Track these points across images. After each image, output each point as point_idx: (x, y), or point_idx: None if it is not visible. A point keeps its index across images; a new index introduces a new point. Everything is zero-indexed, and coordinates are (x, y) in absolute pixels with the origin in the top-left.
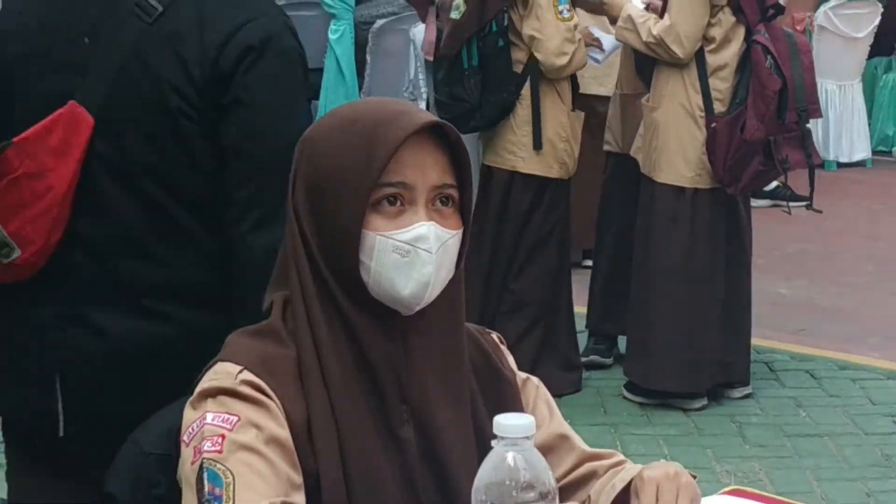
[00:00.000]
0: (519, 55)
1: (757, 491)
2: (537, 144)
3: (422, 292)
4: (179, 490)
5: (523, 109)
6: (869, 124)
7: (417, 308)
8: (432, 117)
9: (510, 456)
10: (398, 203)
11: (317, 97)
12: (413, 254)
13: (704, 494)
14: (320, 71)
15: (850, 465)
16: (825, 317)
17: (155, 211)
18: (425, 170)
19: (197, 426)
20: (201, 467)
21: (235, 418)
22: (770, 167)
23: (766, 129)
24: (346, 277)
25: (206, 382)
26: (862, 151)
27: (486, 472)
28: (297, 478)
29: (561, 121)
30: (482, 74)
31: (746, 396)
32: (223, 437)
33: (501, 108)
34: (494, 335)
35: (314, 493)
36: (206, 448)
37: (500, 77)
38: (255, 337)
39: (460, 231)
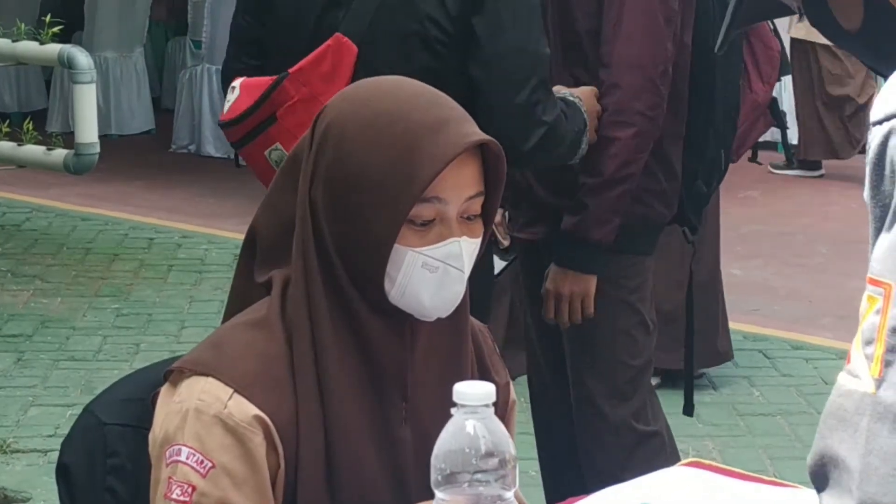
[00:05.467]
0: None
1: (715, 463)
2: None
3: (448, 307)
4: (137, 460)
5: None
6: None
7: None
8: (478, 132)
9: (470, 424)
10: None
11: None
12: (443, 270)
13: None
14: None
15: (803, 444)
16: (778, 297)
17: None
18: (462, 186)
19: (171, 454)
20: None
21: (210, 464)
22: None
23: (771, 90)
24: (366, 283)
25: (192, 397)
26: None
27: (445, 441)
28: None
29: None
30: None
31: (700, 376)
32: (193, 488)
33: None
34: (490, 339)
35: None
36: (175, 496)
37: None
38: (250, 330)
39: (482, 235)
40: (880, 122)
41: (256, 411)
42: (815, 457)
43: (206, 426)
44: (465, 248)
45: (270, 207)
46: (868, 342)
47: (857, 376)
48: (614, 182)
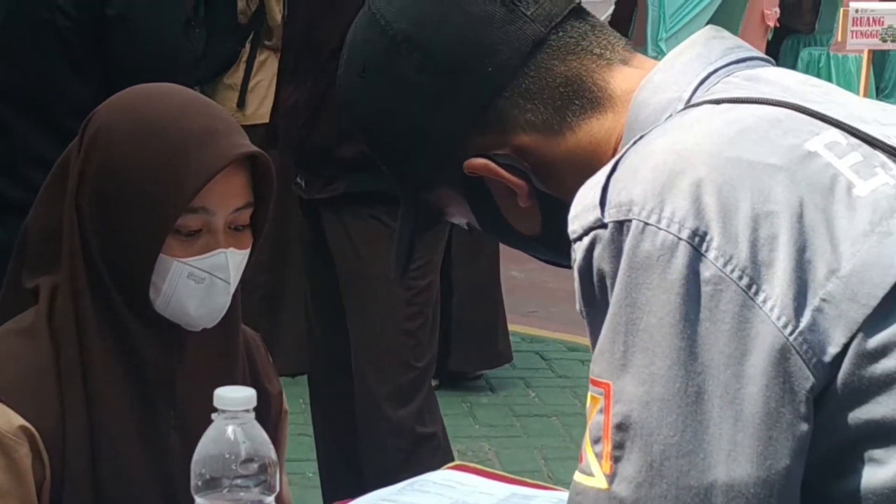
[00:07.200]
0: (241, 5)
1: (480, 466)
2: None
3: (213, 318)
4: None
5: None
6: None
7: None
8: (247, 143)
9: (230, 429)
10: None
11: None
12: (209, 281)
13: None
14: None
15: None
16: (556, 299)
17: (50, 125)
18: (229, 197)
19: None
20: None
21: None
22: None
23: None
24: (132, 293)
25: None
26: None
27: (205, 446)
28: None
29: None
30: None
31: (478, 377)
32: None
33: (225, 59)
34: (263, 347)
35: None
36: None
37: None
38: (16, 339)
39: (250, 246)
40: (580, 238)
41: (22, 422)
42: None
43: None
44: (232, 260)
45: (40, 210)
46: (596, 441)
47: (591, 474)
48: None
